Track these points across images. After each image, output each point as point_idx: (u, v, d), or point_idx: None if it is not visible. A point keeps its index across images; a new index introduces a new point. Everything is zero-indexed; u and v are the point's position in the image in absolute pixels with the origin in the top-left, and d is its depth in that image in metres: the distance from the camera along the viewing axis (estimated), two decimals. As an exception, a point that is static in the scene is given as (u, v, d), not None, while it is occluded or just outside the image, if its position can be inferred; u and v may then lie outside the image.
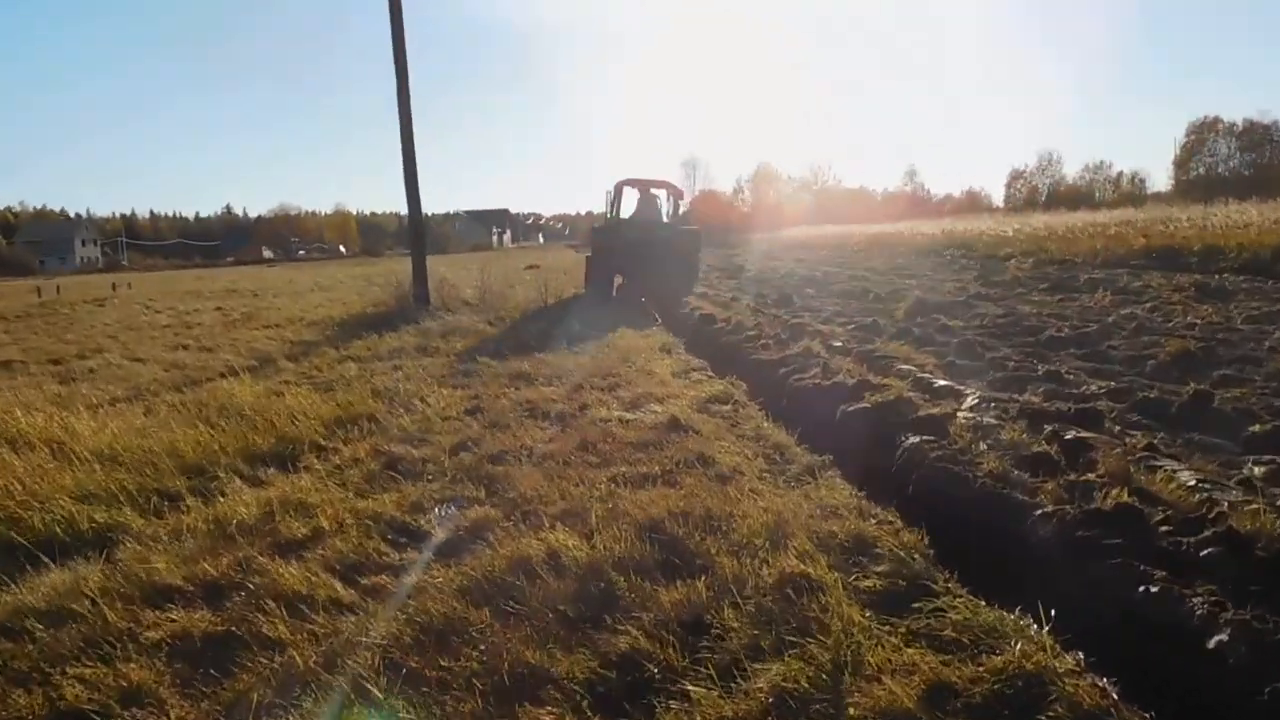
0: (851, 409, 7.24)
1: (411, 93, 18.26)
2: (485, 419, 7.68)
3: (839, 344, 10.56)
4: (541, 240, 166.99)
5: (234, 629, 4.04)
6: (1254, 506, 4.44)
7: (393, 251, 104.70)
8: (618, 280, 20.72)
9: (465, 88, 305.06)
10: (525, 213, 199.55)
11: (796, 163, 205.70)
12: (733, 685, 3.52)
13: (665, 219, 21.28)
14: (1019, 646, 3.54)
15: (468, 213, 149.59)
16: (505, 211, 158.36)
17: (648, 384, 8.99)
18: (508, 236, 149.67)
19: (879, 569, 4.34)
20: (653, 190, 21.49)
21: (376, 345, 12.78)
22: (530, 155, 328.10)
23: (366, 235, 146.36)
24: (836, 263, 33.26)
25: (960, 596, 4.06)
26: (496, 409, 8.04)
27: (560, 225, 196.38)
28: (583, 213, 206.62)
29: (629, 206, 21.57)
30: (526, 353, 11.29)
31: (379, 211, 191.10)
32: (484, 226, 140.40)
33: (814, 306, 15.96)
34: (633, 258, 19.71)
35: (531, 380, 9.42)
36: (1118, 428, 6.37)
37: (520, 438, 6.98)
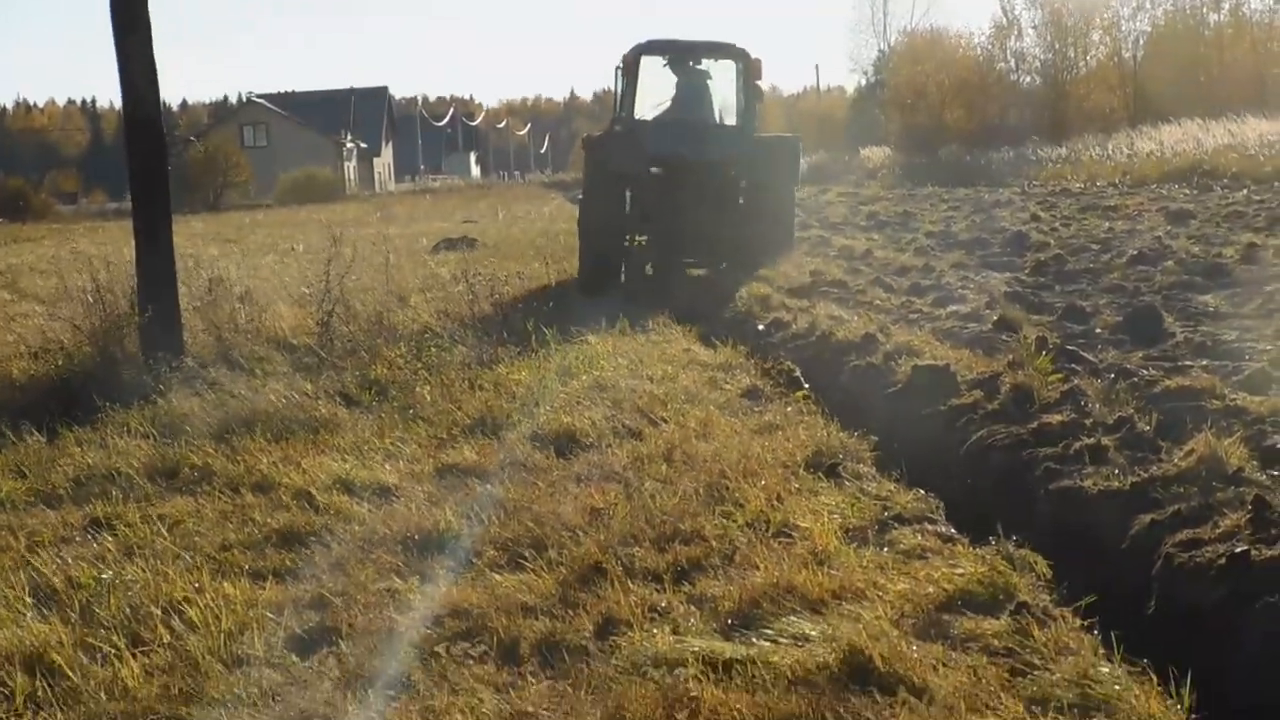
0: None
1: None
2: (346, 662, 3.25)
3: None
4: (476, 171, 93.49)
5: None
6: None
7: (73, 209, 50.25)
8: (634, 243, 12.07)
9: None
10: (425, 98, 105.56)
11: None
12: None
13: (730, 119, 12.49)
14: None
15: (278, 100, 69.57)
16: (383, 92, 78.63)
17: (779, 559, 3.86)
18: (385, 159, 77.36)
19: None
20: (704, 63, 12.58)
21: (43, 463, 5.40)
22: None
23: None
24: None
25: None
26: (374, 632, 3.45)
27: (526, 129, 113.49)
28: (589, 94, 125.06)
29: (656, 95, 12.47)
30: (449, 465, 5.20)
31: (27, 102, 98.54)
32: (325, 136, 64.26)
33: (1223, 342, 6.70)
34: (663, 196, 11.43)
35: (459, 553, 4.18)
36: None
37: (443, 715, 2.97)
